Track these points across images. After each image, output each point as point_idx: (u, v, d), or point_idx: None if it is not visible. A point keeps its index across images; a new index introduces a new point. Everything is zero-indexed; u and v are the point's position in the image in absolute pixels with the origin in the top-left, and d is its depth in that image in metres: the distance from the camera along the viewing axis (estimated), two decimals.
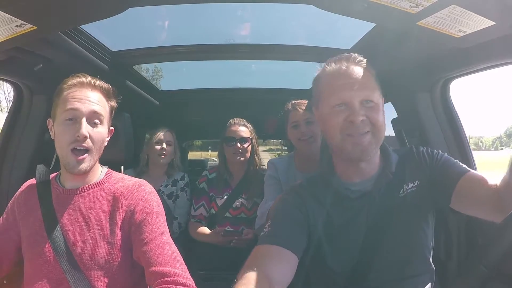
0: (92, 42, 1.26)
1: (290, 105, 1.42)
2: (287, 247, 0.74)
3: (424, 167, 0.83)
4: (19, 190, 0.93)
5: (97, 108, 0.84)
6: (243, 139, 1.65)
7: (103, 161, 0.95)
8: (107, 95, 0.90)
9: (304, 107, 1.39)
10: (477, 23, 0.77)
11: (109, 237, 0.83)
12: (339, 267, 0.83)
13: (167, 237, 0.85)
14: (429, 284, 0.85)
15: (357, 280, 0.82)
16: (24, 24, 0.78)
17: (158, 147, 1.79)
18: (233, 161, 1.68)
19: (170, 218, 1.68)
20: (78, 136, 0.81)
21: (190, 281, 0.79)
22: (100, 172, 0.93)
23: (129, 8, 0.82)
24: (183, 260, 0.83)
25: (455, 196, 0.76)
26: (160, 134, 1.81)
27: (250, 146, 1.68)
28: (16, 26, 0.78)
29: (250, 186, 1.67)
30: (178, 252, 0.84)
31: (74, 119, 0.82)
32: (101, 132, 0.86)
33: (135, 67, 1.75)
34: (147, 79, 2.04)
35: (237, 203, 1.67)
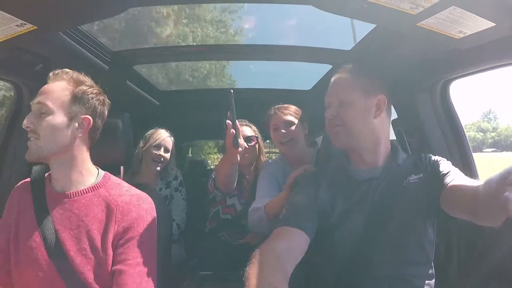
0: (92, 42, 1.26)
1: (272, 109, 1.47)
2: (297, 226, 0.84)
3: (427, 165, 0.93)
4: (14, 189, 0.91)
5: (42, 98, 0.84)
6: (248, 139, 1.63)
7: (102, 162, 0.94)
8: (73, 82, 0.87)
9: (285, 111, 1.43)
10: (477, 24, 0.77)
11: (99, 250, 0.80)
12: (343, 248, 0.90)
13: (148, 266, 0.81)
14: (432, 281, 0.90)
15: (360, 261, 0.88)
16: (24, 24, 0.78)
17: (155, 152, 1.66)
18: (242, 160, 1.58)
19: (170, 222, 1.62)
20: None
21: None
22: (96, 175, 0.89)
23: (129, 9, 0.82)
24: None
25: (442, 198, 0.83)
26: (160, 138, 1.68)
27: (256, 144, 1.66)
28: (16, 26, 0.78)
29: None
30: (153, 285, 0.81)
31: None
32: (48, 121, 0.82)
33: (135, 67, 1.74)
34: (147, 79, 2.03)
35: None
